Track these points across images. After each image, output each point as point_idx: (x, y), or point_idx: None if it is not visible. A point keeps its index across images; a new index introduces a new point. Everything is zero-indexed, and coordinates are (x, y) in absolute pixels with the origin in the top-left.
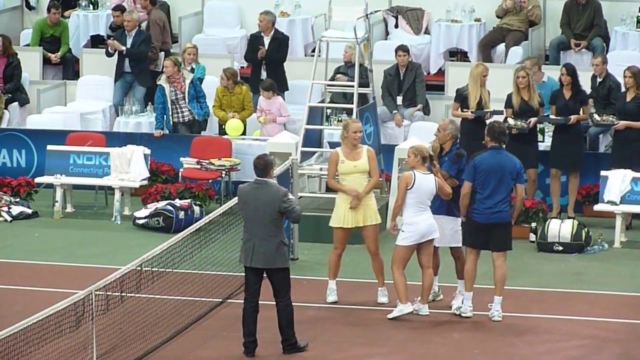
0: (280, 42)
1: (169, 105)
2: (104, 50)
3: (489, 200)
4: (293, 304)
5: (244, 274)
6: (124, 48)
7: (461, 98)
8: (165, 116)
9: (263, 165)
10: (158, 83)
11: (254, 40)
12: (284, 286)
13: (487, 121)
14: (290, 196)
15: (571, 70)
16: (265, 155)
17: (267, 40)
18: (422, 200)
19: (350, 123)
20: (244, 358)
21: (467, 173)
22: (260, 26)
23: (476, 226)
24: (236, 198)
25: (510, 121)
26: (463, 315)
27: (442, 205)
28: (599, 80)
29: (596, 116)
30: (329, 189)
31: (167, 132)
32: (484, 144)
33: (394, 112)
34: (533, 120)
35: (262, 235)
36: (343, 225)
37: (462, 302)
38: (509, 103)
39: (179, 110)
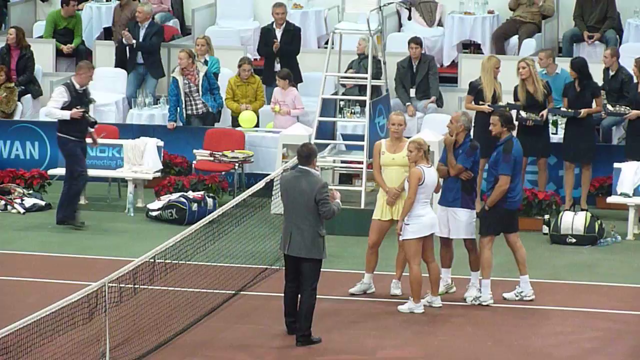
0: (293, 35)
1: (183, 98)
2: (119, 39)
3: (518, 186)
4: None
5: (256, 266)
6: (134, 41)
7: (475, 91)
8: (178, 108)
9: (307, 153)
10: (172, 75)
11: (266, 34)
12: (312, 276)
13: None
14: (334, 192)
15: (576, 66)
16: (309, 143)
17: (279, 33)
18: (428, 194)
19: (391, 115)
20: (255, 348)
21: (509, 167)
22: (276, 19)
23: (508, 213)
24: (250, 190)
25: (523, 114)
26: (483, 303)
27: (457, 198)
28: (611, 73)
29: (609, 106)
30: (342, 181)
31: (180, 124)
32: (493, 133)
33: (407, 104)
34: (545, 112)
35: (299, 225)
36: (380, 217)
37: (481, 291)
38: (515, 97)
39: (192, 102)
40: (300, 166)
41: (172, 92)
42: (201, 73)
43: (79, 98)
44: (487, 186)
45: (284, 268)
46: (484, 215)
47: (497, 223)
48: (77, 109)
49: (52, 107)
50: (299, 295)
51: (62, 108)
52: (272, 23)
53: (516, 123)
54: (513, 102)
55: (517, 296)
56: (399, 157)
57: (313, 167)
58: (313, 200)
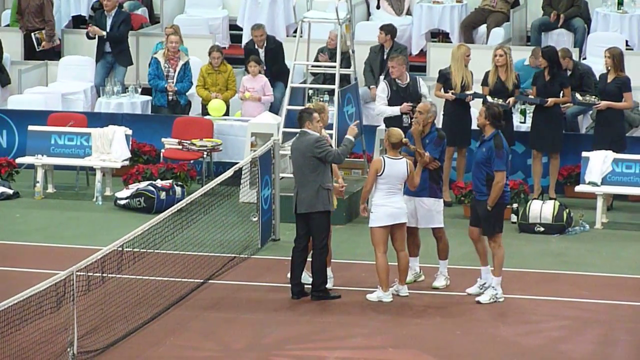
0: (276, 51)
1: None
2: (85, 32)
3: (506, 180)
4: (274, 284)
5: (225, 255)
6: (104, 33)
7: (444, 79)
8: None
9: (298, 116)
10: (154, 56)
11: (249, 54)
12: (321, 230)
13: (472, 103)
14: (327, 139)
15: (547, 54)
16: (305, 107)
17: (262, 53)
18: (392, 184)
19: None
20: (224, 337)
21: (503, 163)
22: (257, 42)
23: (504, 208)
24: (218, 178)
25: (490, 99)
26: (499, 301)
27: (425, 187)
28: (569, 72)
29: (578, 95)
30: None
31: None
32: (478, 125)
33: (372, 86)
34: (512, 99)
35: (302, 182)
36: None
37: (495, 289)
38: (485, 81)
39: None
40: (300, 129)
41: (153, 72)
42: (181, 61)
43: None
44: (474, 183)
45: (253, 257)
46: (488, 215)
47: (500, 219)
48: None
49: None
50: (312, 250)
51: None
52: (253, 43)
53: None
54: (479, 92)
55: (492, 299)
56: None
57: (309, 128)
58: (311, 157)
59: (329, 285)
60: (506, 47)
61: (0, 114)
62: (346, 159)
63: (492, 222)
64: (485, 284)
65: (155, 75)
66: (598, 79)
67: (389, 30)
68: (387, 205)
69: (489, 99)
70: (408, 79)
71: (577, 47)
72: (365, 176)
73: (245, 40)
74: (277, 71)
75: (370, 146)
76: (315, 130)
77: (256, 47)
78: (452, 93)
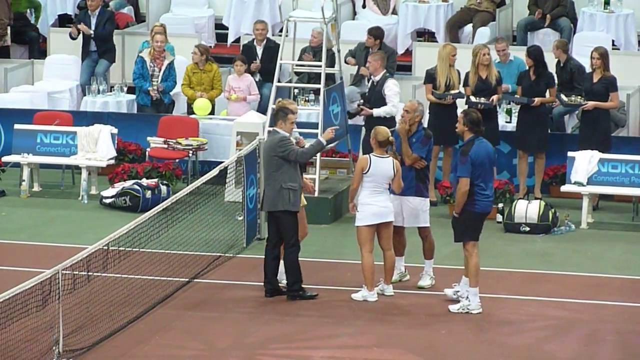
0: (274, 52)
1: (149, 78)
2: (69, 32)
3: (488, 189)
4: (259, 283)
5: (210, 254)
6: (91, 32)
7: (431, 79)
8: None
9: (274, 113)
10: (140, 55)
11: (247, 51)
12: (288, 229)
13: (458, 102)
14: (292, 140)
15: (533, 54)
16: (283, 106)
17: (259, 50)
18: (378, 183)
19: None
20: (208, 336)
21: (465, 169)
22: (256, 35)
23: (479, 217)
24: (203, 177)
25: (473, 99)
26: (473, 312)
27: (411, 186)
28: (561, 64)
29: (563, 97)
30: None
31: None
32: (457, 132)
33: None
34: (495, 97)
35: (268, 181)
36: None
37: (469, 299)
38: (465, 82)
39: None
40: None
41: (137, 71)
42: (166, 61)
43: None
44: (453, 188)
45: (238, 256)
46: (456, 221)
47: (472, 229)
48: None
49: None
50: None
51: None
52: (253, 40)
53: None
54: (462, 92)
55: (462, 309)
56: None
57: (280, 127)
58: (273, 157)
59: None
60: (488, 46)
61: None
62: (332, 158)
63: (461, 229)
64: (459, 292)
65: (140, 75)
66: (583, 79)
67: (377, 35)
68: (373, 204)
69: (473, 98)
70: (379, 77)
71: None
72: (350, 175)
73: (231, 40)
74: (272, 70)
75: (356, 145)
76: (286, 130)
77: (255, 42)
78: (432, 93)
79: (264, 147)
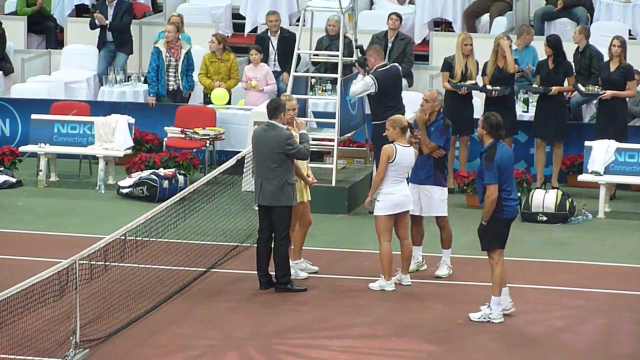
0: (289, 41)
1: (165, 69)
2: (89, 21)
3: (513, 193)
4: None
5: (227, 244)
6: (107, 22)
7: (448, 67)
8: (160, 80)
9: (273, 107)
10: (155, 46)
11: (260, 42)
12: (282, 223)
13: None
14: (295, 137)
15: (552, 43)
16: (277, 98)
17: (275, 41)
18: (401, 172)
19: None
20: (226, 325)
21: (493, 175)
22: (270, 27)
23: (507, 223)
24: (221, 167)
25: (489, 87)
26: (494, 321)
27: (429, 175)
28: (580, 50)
29: (581, 86)
30: (313, 159)
31: (154, 100)
32: (479, 138)
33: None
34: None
35: (268, 176)
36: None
37: (490, 308)
38: (484, 71)
39: (167, 77)
40: (268, 120)
41: (153, 63)
42: (183, 50)
43: None
44: (479, 197)
45: (255, 245)
46: (484, 229)
47: (500, 235)
48: None
49: None
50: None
51: None
52: (267, 31)
53: (483, 95)
54: (477, 84)
55: (483, 318)
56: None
57: (280, 121)
58: (279, 153)
59: (304, 276)
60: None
61: (3, 103)
62: (350, 148)
63: (488, 237)
64: (490, 314)
65: (155, 67)
66: (599, 68)
67: (400, 16)
68: (395, 194)
69: (489, 87)
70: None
71: None
72: (367, 165)
73: (248, 29)
74: (288, 59)
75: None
76: (283, 122)
77: (269, 34)
78: (448, 82)
79: (262, 140)
